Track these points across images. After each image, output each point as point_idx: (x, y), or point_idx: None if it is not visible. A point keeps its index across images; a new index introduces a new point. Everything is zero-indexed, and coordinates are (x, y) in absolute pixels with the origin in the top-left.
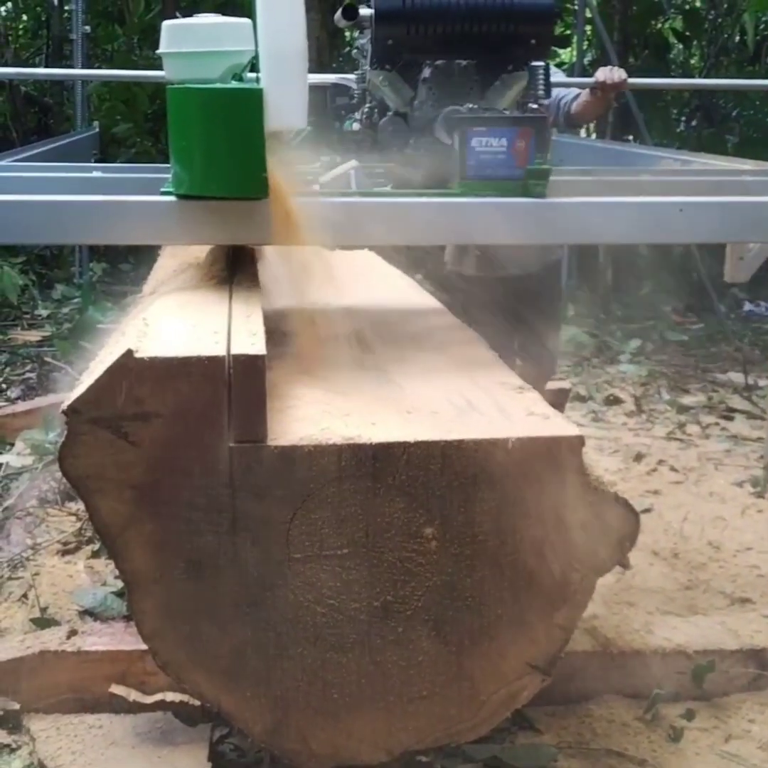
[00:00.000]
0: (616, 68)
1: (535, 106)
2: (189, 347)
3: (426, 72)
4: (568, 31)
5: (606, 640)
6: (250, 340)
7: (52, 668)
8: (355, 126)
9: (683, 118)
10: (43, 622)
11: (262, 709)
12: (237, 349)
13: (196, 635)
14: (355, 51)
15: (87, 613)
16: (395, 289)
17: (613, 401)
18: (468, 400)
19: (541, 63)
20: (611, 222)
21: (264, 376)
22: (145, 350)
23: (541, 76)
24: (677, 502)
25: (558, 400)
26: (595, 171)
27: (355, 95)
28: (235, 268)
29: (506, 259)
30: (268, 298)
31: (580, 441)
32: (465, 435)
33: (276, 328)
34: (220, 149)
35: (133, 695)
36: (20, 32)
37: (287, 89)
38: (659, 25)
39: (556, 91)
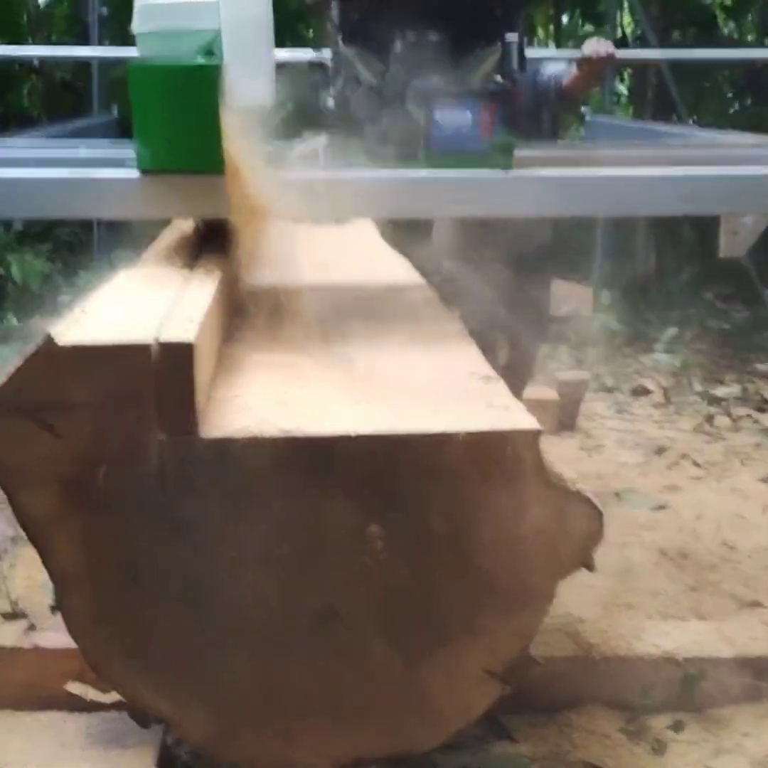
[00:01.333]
0: (602, 40)
1: (500, 78)
2: (117, 334)
3: (397, 47)
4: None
5: (589, 645)
6: (184, 326)
7: (7, 664)
8: (330, 102)
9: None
10: (11, 615)
11: (202, 716)
12: (165, 336)
13: (129, 636)
14: (328, 26)
15: (55, 607)
16: (381, 265)
17: (641, 392)
18: (429, 390)
19: (515, 37)
20: (573, 194)
21: (192, 364)
22: (70, 337)
23: (515, 51)
24: (695, 498)
25: (576, 391)
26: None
27: (330, 71)
28: (205, 247)
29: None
30: (254, 275)
31: (536, 435)
32: (414, 428)
33: (249, 308)
34: (177, 124)
35: (92, 693)
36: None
37: (249, 64)
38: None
39: (551, 68)
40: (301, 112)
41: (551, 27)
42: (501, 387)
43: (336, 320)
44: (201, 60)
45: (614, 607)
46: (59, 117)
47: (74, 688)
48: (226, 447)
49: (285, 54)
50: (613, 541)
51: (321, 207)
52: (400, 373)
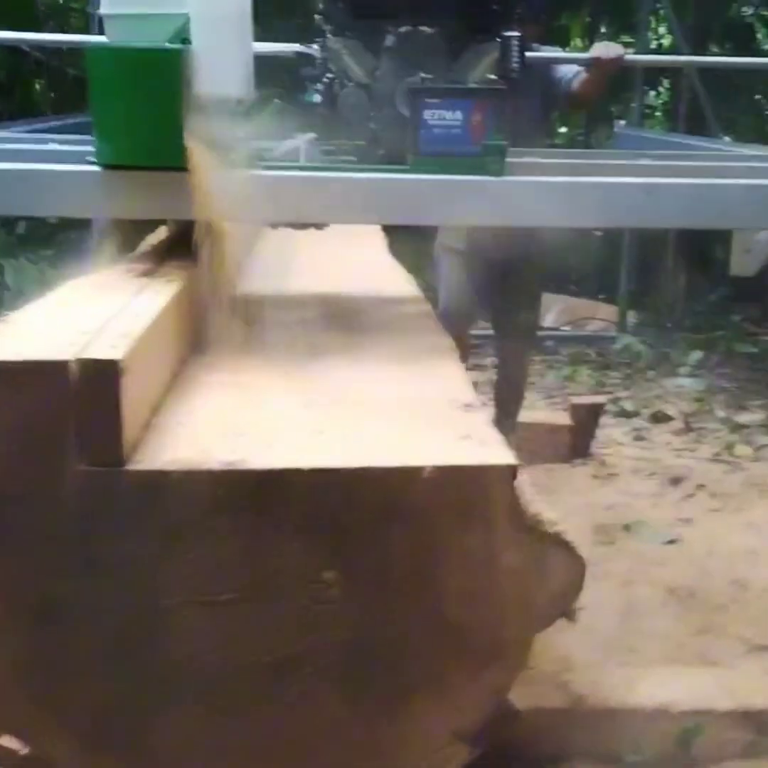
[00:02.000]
0: (611, 44)
1: (494, 77)
2: (33, 350)
3: (389, 40)
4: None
5: (579, 696)
6: (113, 342)
7: None
8: (316, 98)
9: None
10: None
11: None
12: (88, 353)
13: (50, 691)
14: (317, 16)
15: None
16: (379, 275)
17: (661, 418)
18: (400, 417)
19: (516, 34)
20: (571, 203)
21: (119, 385)
22: None
23: (515, 48)
24: (709, 532)
25: (589, 415)
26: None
27: (318, 65)
28: (175, 252)
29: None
30: (233, 283)
31: (511, 471)
32: (374, 461)
33: (221, 320)
34: (137, 115)
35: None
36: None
37: (221, 53)
38: (745, 11)
39: (563, 69)
40: (286, 108)
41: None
42: (481, 417)
43: (318, 333)
44: (163, 44)
45: (614, 651)
46: (70, 113)
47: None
48: (157, 481)
49: (270, 46)
50: (620, 577)
51: (295, 209)
52: (373, 397)
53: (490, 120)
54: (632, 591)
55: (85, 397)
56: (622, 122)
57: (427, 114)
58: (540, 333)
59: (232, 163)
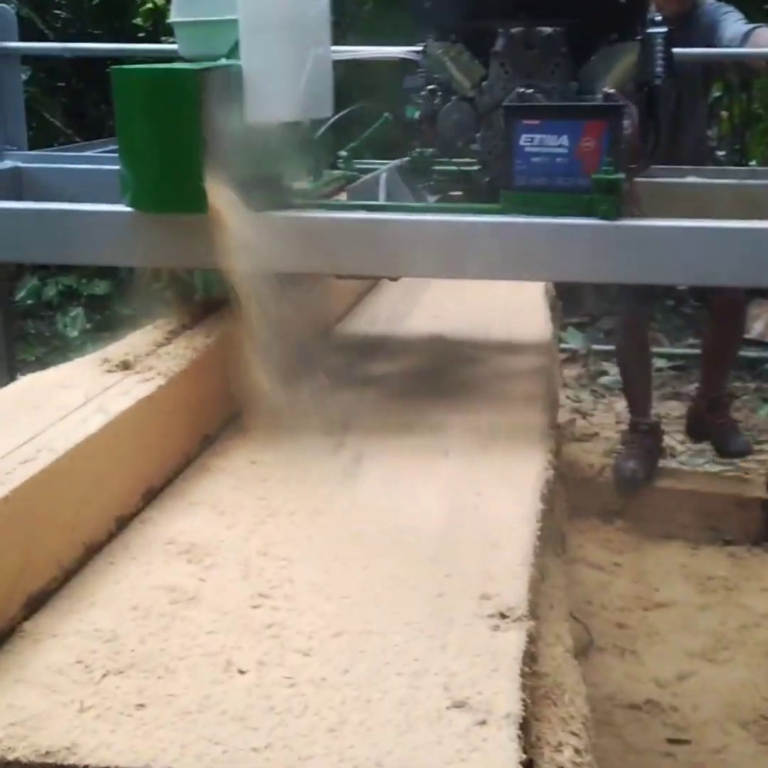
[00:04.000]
0: None
1: (610, 90)
2: None
3: (499, 43)
4: None
5: None
6: None
7: None
8: (416, 114)
9: None
10: None
11: None
12: None
13: None
14: (412, 17)
15: None
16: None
17: None
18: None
19: (662, 30)
20: (714, 256)
21: None
22: None
23: (660, 48)
24: None
25: None
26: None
27: (419, 74)
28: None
29: None
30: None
31: None
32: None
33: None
34: (150, 150)
35: None
36: None
37: (269, 69)
38: None
39: (728, 31)
40: (381, 128)
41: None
42: (513, 641)
43: (387, 404)
44: (180, 65)
45: None
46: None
47: None
48: None
49: (371, 50)
50: None
51: (334, 258)
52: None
53: (606, 146)
54: None
55: None
56: None
57: (525, 139)
58: (745, 350)
59: (273, 202)
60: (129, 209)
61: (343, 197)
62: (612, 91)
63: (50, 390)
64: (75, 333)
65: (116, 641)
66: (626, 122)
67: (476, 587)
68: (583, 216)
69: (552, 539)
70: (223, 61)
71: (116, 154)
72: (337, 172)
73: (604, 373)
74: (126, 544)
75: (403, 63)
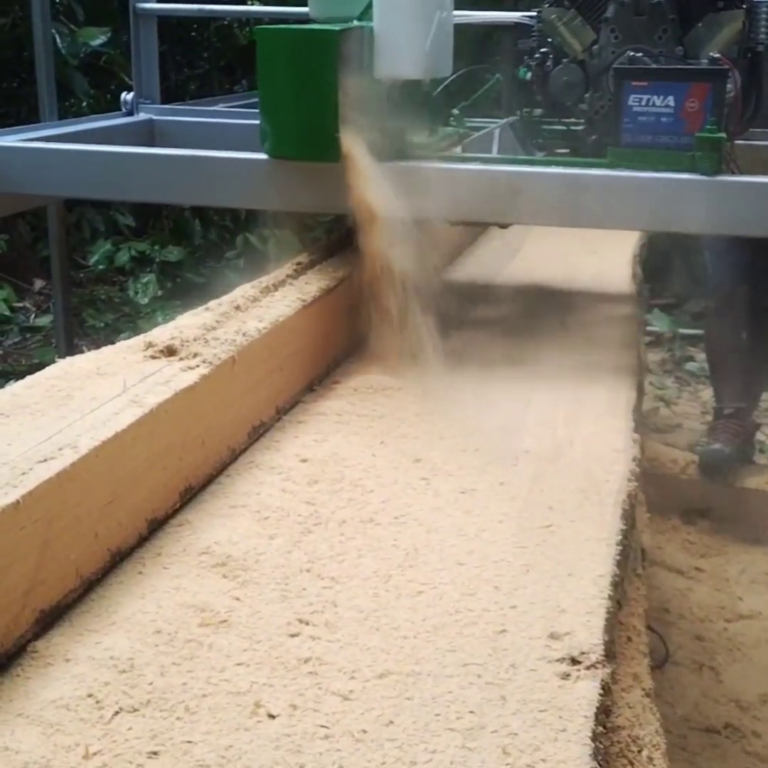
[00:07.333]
0: None
1: (715, 55)
2: None
3: (610, 10)
4: None
5: None
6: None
7: None
8: (527, 75)
9: None
10: None
11: None
12: None
13: None
14: None
15: None
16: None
17: None
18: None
19: None
20: None
21: None
22: None
23: (764, 16)
24: None
25: None
26: None
27: (533, 37)
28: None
29: None
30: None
31: None
32: None
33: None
34: (290, 104)
35: None
36: None
37: (400, 30)
38: None
39: None
40: (491, 88)
41: None
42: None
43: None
44: (322, 26)
45: None
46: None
47: None
48: None
49: (488, 15)
50: None
51: (451, 205)
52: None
53: (709, 107)
54: None
55: None
56: None
57: (633, 99)
58: None
59: (397, 153)
60: (265, 157)
61: (457, 152)
62: (717, 55)
63: (84, 377)
64: (145, 300)
65: (133, 672)
66: (729, 86)
67: (544, 622)
68: (685, 171)
69: (632, 555)
70: (356, 23)
71: (239, 110)
72: (450, 129)
73: (691, 358)
74: (158, 551)
75: (516, 27)
